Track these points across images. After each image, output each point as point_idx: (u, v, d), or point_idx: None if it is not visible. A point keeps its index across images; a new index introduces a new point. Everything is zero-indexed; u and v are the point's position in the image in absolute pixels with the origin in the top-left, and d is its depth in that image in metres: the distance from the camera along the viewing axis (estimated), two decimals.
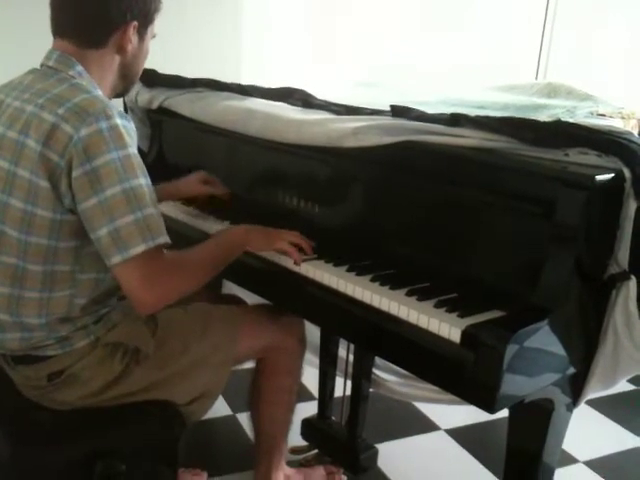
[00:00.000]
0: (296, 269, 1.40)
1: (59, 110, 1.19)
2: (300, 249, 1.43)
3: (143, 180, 1.22)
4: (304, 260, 1.41)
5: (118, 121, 1.20)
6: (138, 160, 1.22)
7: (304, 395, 2.25)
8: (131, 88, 1.46)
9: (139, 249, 1.18)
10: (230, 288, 1.97)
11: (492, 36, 3.41)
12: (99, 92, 1.28)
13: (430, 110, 1.49)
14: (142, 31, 1.35)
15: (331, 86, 2.39)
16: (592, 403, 2.50)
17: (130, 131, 1.23)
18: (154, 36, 1.41)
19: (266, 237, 1.44)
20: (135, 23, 1.31)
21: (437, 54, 3.30)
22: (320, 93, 1.85)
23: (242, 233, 1.44)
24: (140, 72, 1.43)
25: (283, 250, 1.43)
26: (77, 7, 1.29)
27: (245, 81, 2.11)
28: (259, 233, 1.45)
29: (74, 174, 1.17)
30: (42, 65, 1.32)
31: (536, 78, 3.47)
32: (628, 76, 3.04)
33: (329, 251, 1.43)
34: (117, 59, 1.34)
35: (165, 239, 1.22)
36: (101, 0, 1.27)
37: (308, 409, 2.07)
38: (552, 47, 3.42)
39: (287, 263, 1.43)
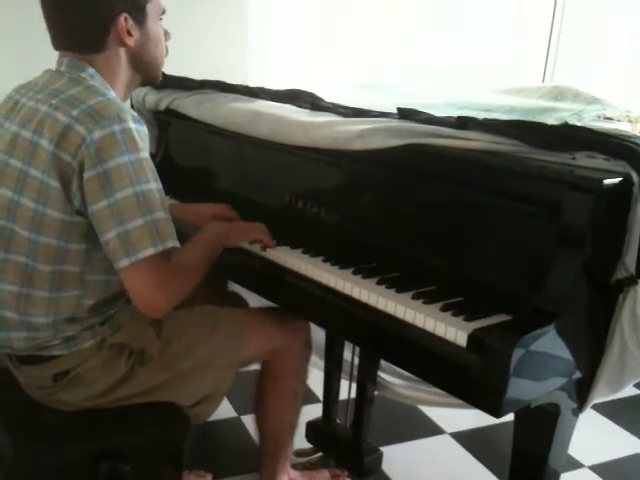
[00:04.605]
0: (302, 271, 1.40)
1: (73, 112, 1.19)
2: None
3: (154, 184, 1.22)
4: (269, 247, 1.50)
5: (131, 125, 1.20)
6: (150, 164, 1.23)
7: (309, 398, 2.25)
8: (158, 74, 1.43)
9: (147, 253, 1.18)
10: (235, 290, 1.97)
11: (498, 36, 3.39)
12: (112, 94, 1.29)
13: (437, 113, 1.49)
14: (139, 17, 1.31)
15: (335, 88, 2.39)
16: (598, 408, 2.49)
17: (142, 135, 1.23)
18: (163, 12, 1.38)
19: (241, 231, 1.52)
20: (124, 15, 1.28)
21: (440, 54, 3.29)
22: (325, 95, 1.85)
23: (222, 230, 1.47)
24: (160, 55, 1.40)
25: (258, 239, 1.50)
26: (65, 20, 1.29)
27: (252, 80, 2.11)
28: (235, 228, 1.53)
29: (85, 176, 1.18)
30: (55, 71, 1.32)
31: (543, 80, 3.45)
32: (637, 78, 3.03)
33: (335, 253, 1.43)
34: (123, 54, 1.33)
35: (174, 243, 1.23)
36: (84, 8, 1.26)
37: (313, 412, 2.06)
38: (560, 48, 3.40)
39: (293, 265, 1.42)
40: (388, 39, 3.22)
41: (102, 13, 1.27)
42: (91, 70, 1.29)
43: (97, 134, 1.16)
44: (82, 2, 1.26)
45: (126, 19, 1.29)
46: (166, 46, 1.43)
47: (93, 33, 1.29)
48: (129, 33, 1.30)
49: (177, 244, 1.24)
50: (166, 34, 1.42)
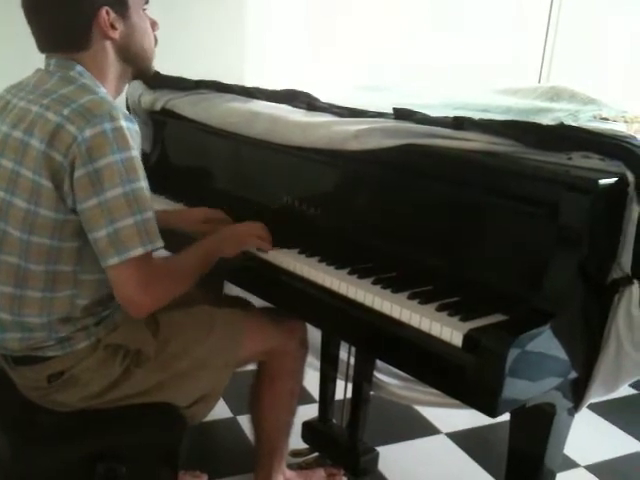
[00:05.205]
0: (298, 271, 1.40)
1: (64, 111, 1.19)
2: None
3: (144, 183, 1.22)
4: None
5: (123, 123, 1.19)
6: (139, 163, 1.23)
7: (305, 398, 2.25)
8: (149, 64, 1.41)
9: (137, 252, 1.19)
10: (231, 289, 1.96)
11: (497, 36, 3.39)
12: (103, 90, 1.28)
13: (433, 113, 1.49)
14: (121, 10, 1.30)
15: (333, 88, 2.39)
16: (594, 407, 2.49)
17: (134, 133, 1.23)
18: (146, 2, 1.37)
19: (236, 242, 1.48)
20: (106, 8, 1.27)
21: (440, 54, 3.29)
22: (323, 95, 1.85)
23: (217, 243, 1.45)
24: (148, 46, 1.38)
25: (254, 246, 1.48)
26: (47, 22, 1.28)
27: (249, 81, 2.10)
28: (230, 240, 1.49)
29: (76, 174, 1.17)
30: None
31: (539, 81, 3.46)
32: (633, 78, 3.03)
33: (331, 253, 1.43)
34: (110, 48, 1.32)
35: (161, 244, 1.24)
36: (64, 7, 1.25)
37: (309, 412, 2.06)
38: (556, 48, 3.41)
39: (289, 266, 1.42)
40: (388, 39, 3.22)
41: (82, 10, 1.26)
42: (79, 68, 1.28)
43: (88, 132, 1.16)
44: (61, 1, 1.25)
45: (108, 12, 1.27)
46: (155, 36, 1.41)
47: (76, 31, 1.28)
48: (113, 26, 1.29)
49: (162, 244, 1.24)
50: (153, 24, 1.40)
